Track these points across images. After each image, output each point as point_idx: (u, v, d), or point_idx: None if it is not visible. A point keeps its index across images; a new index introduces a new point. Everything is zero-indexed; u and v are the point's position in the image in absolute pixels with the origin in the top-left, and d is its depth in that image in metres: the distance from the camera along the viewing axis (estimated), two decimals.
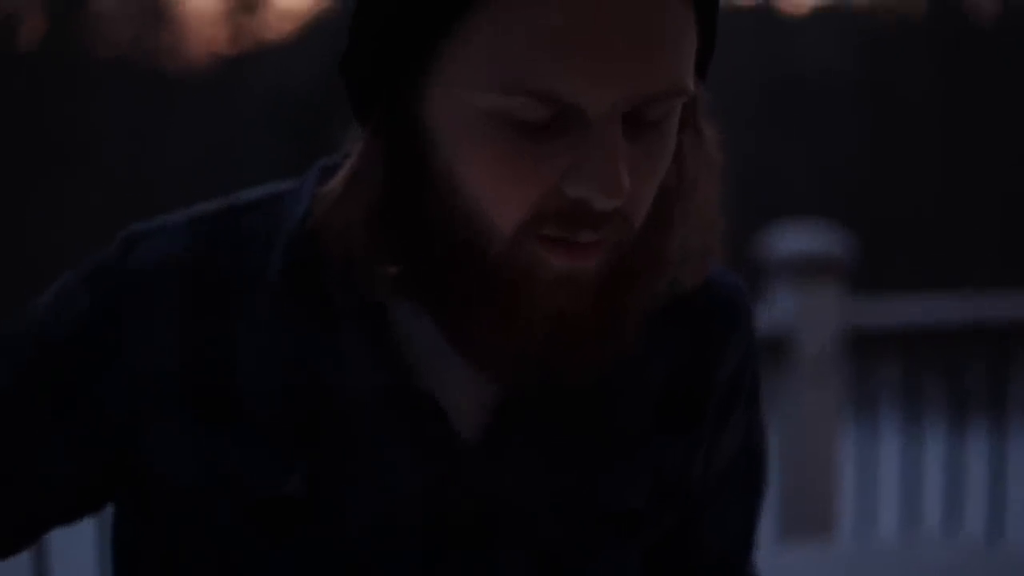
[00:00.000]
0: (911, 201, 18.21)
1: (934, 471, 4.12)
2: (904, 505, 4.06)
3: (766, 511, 3.66)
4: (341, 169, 1.00)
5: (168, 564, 1.05)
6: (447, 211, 0.94)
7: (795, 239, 3.68)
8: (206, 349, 1.02)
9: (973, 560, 2.78)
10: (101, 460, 1.04)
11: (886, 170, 18.55)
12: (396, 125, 0.96)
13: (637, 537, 1.11)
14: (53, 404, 1.03)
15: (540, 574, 1.06)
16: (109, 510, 1.12)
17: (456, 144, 0.93)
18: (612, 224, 0.94)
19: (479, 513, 1.04)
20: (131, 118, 18.51)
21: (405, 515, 1.03)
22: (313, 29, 20.10)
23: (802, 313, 3.61)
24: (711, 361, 1.13)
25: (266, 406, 1.02)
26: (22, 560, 2.37)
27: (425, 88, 0.94)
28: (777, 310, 3.64)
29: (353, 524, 1.03)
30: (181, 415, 1.02)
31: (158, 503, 1.04)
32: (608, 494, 1.08)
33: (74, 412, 1.03)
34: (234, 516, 1.02)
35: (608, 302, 0.96)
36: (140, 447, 1.03)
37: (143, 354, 1.02)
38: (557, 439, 1.06)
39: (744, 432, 1.18)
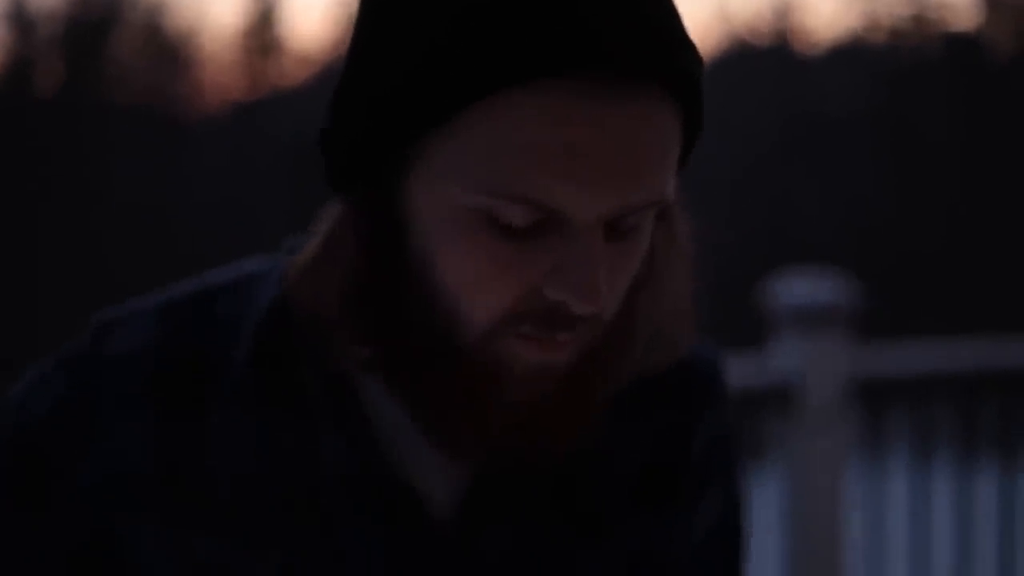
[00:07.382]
0: (928, 241, 18.19)
1: (944, 520, 4.09)
2: (914, 555, 4.02)
3: (774, 562, 3.64)
4: (311, 242, 1.00)
5: None
6: (421, 298, 0.95)
7: (801, 288, 3.66)
8: (178, 439, 1.02)
9: None
10: (77, 550, 1.03)
11: (903, 209, 18.55)
12: (374, 205, 0.95)
13: None
14: (28, 492, 1.02)
15: None
16: None
17: (436, 234, 0.93)
18: (587, 324, 0.95)
19: None
20: (148, 164, 18.62)
21: None
22: (330, 75, 20.20)
23: (808, 363, 3.59)
24: (685, 437, 1.13)
25: (238, 493, 1.02)
26: None
27: (409, 174, 0.94)
28: (783, 359, 3.62)
29: None
30: (154, 506, 1.01)
31: None
32: (583, 574, 1.07)
33: (49, 500, 1.02)
34: None
35: (575, 390, 0.97)
36: (116, 538, 1.02)
37: (116, 443, 1.01)
38: (530, 520, 1.06)
39: (720, 508, 1.17)
